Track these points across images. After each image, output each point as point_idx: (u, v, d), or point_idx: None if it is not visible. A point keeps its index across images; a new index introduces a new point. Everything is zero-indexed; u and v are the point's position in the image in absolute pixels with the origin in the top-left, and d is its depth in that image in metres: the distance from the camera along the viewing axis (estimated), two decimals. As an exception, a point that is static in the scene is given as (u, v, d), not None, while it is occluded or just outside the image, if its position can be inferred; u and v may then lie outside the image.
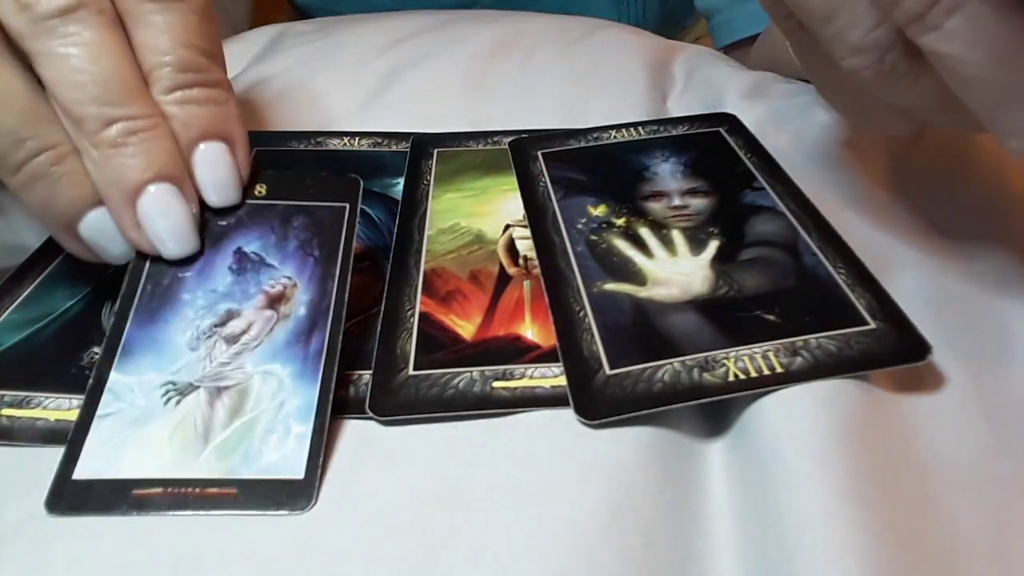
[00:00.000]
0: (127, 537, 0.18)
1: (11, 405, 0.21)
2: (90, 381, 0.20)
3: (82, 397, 0.20)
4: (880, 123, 0.24)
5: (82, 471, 0.19)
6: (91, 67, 0.20)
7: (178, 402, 0.20)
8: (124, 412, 0.19)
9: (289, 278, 0.22)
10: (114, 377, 0.20)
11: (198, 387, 0.20)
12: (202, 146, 0.22)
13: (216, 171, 0.23)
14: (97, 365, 0.20)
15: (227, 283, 0.22)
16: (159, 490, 0.18)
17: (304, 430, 0.19)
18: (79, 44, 0.20)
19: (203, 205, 0.23)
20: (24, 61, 0.21)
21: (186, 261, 0.22)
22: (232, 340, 0.21)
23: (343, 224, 0.24)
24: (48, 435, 0.20)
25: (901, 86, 0.19)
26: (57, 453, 0.19)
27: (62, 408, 0.21)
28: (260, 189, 0.24)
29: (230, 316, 0.21)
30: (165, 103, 0.22)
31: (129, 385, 0.20)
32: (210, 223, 0.23)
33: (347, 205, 0.24)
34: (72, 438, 0.19)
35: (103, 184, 0.21)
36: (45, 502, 0.18)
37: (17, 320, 0.23)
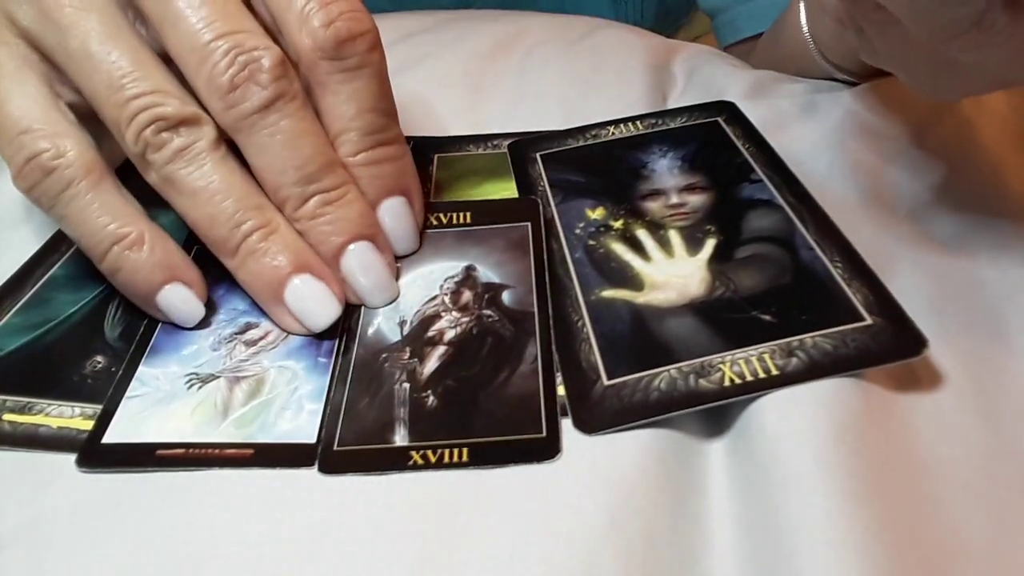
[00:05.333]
0: (129, 548, 0.18)
1: (13, 410, 0.21)
2: (119, 374, 0.22)
3: (84, 405, 0.21)
4: (963, 90, 0.24)
5: (111, 436, 0.20)
6: (290, 153, 0.22)
7: (200, 387, 0.21)
8: (150, 395, 0.21)
9: None
10: (141, 369, 0.22)
11: (218, 377, 0.22)
12: (385, 203, 0.24)
13: (398, 225, 0.25)
14: (126, 362, 0.22)
15: (247, 303, 0.24)
16: (181, 451, 0.20)
17: (316, 407, 0.21)
18: (278, 134, 0.22)
19: None
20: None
21: (210, 287, 0.24)
22: (251, 344, 0.23)
23: None
24: (50, 442, 0.20)
25: (999, 41, 0.19)
26: (59, 458, 0.20)
27: (64, 416, 0.21)
28: None
29: (249, 327, 0.23)
30: (352, 164, 0.24)
31: (155, 375, 0.22)
32: None
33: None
34: (102, 413, 0.21)
35: (312, 249, 0.23)
36: (76, 460, 0.19)
37: (19, 324, 0.23)
